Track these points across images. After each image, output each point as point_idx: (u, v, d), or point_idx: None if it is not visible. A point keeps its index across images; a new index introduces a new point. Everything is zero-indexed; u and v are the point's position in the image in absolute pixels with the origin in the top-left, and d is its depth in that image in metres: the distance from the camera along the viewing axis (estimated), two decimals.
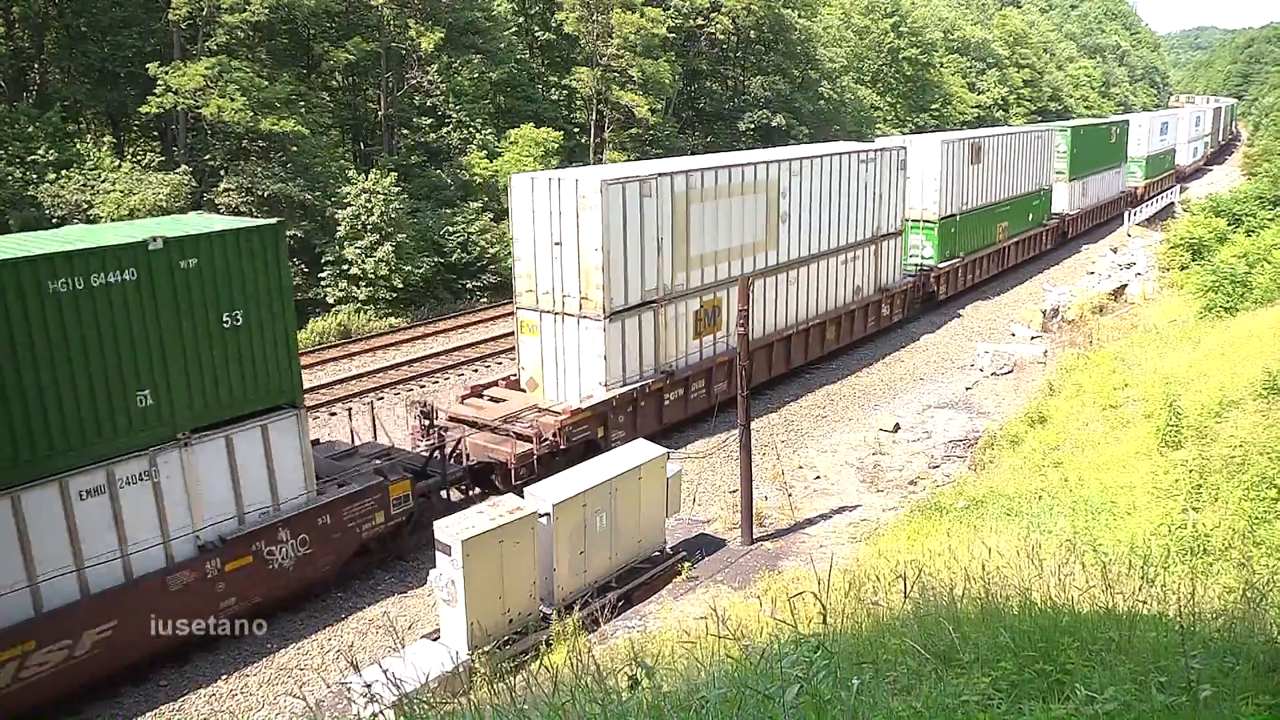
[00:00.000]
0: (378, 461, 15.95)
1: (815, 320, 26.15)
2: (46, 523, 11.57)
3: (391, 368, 26.48)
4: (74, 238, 12.82)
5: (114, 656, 12.28)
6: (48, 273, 11.26)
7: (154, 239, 12.24)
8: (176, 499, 12.79)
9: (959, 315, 34.56)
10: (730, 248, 22.43)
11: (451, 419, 18.68)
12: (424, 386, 25.23)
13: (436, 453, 16.73)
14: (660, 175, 20.21)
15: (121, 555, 12.28)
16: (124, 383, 12.13)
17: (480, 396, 19.91)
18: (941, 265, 33.83)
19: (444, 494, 16.97)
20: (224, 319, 13.07)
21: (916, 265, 33.32)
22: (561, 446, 18.08)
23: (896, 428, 23.00)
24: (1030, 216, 41.56)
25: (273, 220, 14.25)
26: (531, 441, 17.60)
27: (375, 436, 17.52)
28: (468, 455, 17.65)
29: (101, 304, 11.77)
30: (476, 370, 26.61)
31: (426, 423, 16.93)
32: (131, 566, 12.40)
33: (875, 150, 28.29)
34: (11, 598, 11.35)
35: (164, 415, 12.56)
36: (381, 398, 23.73)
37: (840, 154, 26.53)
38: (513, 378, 21.00)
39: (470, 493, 18.19)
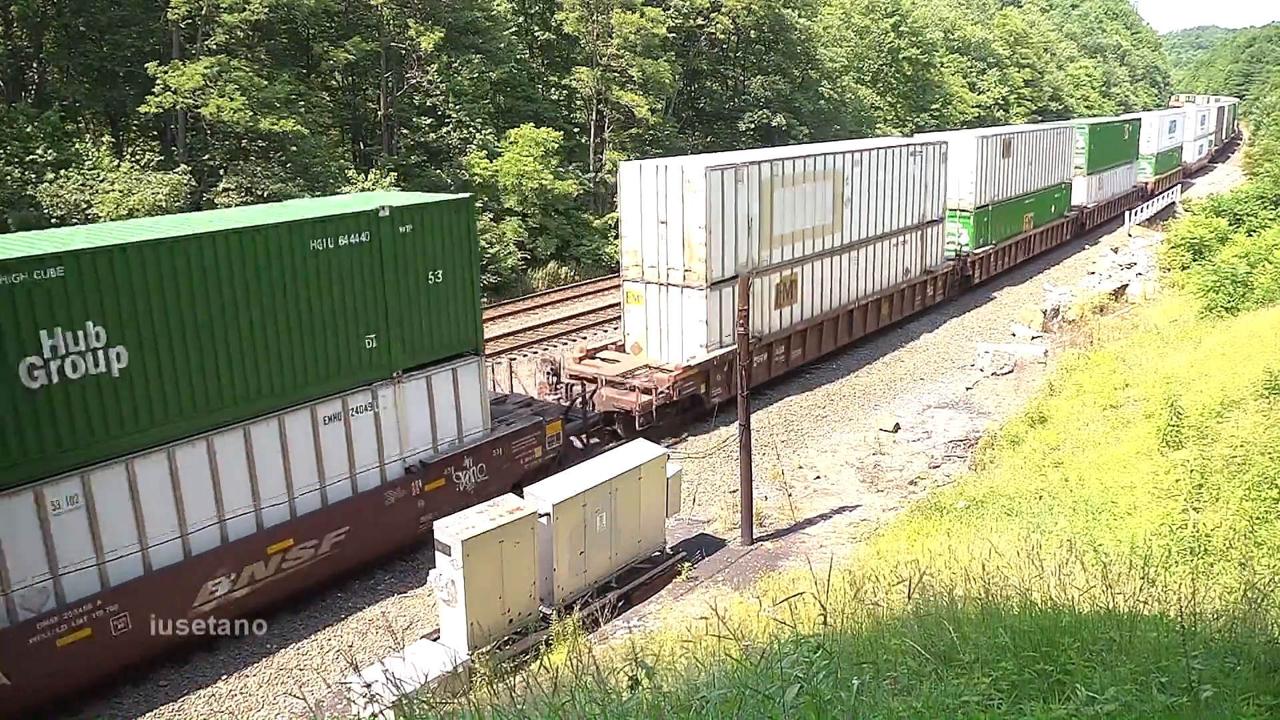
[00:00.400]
0: (532, 405, 18.85)
1: (873, 297, 29.06)
2: (300, 442, 14.00)
3: None
4: (309, 208, 15.45)
5: (345, 556, 14.66)
6: (312, 233, 13.70)
7: (383, 208, 14.55)
8: (390, 428, 15.20)
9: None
10: (804, 229, 25.14)
11: (572, 376, 21.66)
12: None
13: (577, 401, 20.21)
14: (750, 163, 23.00)
15: (350, 475, 14.73)
16: (358, 328, 14.54)
17: (593, 358, 22.96)
18: (977, 251, 36.64)
19: (578, 439, 20.46)
20: (429, 277, 15.39)
21: (955, 251, 35.74)
22: (674, 398, 21.32)
23: (896, 428, 22.99)
24: (1053, 208, 44.24)
25: (466, 194, 17.27)
26: (650, 394, 20.82)
27: (510, 390, 20.22)
28: (594, 405, 21.10)
29: (344, 261, 14.14)
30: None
31: (554, 379, 20.96)
32: (357, 483, 14.86)
33: (921, 144, 30.88)
34: (274, 507, 13.76)
35: (384, 358, 14.97)
36: None
37: (894, 147, 29.38)
38: (618, 343, 24.24)
39: (592, 440, 21.15)
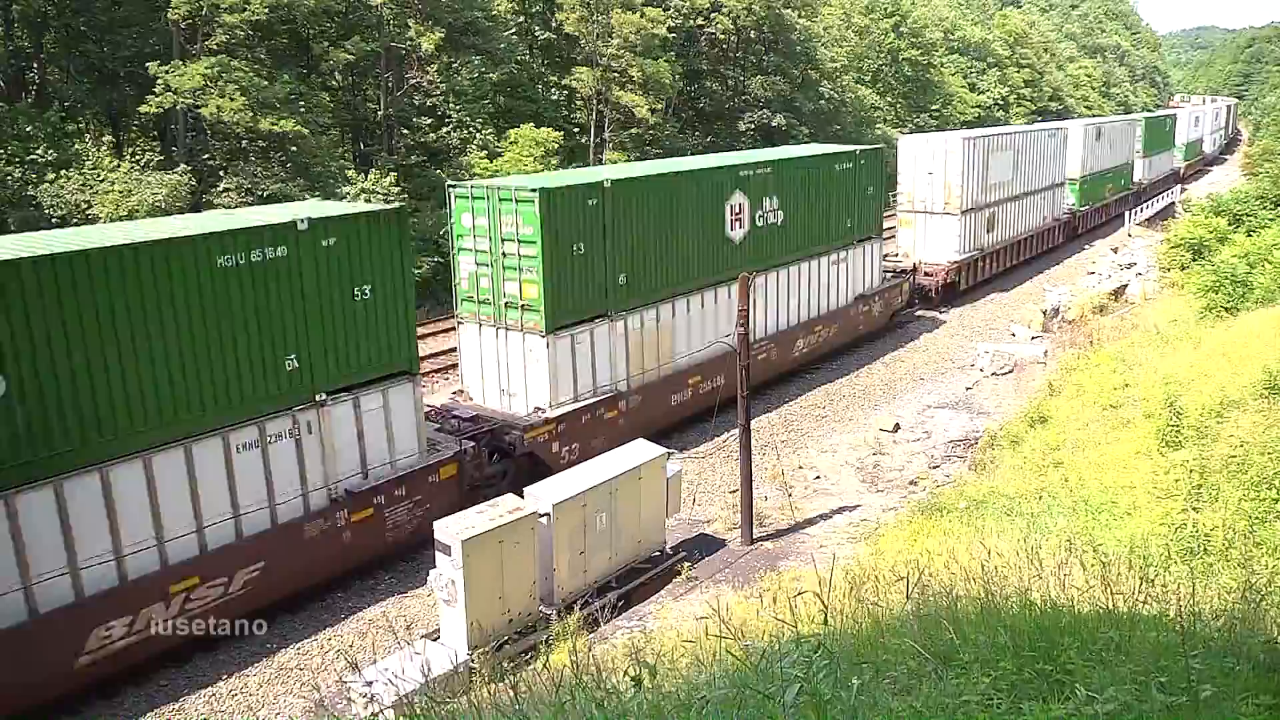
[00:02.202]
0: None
1: (1032, 231, 42.57)
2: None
3: None
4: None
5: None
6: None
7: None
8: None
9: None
10: (999, 182, 37.74)
11: (892, 271, 33.03)
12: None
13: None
14: (982, 137, 37.25)
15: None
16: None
17: (886, 259, 32.30)
18: (1081, 209, 49.24)
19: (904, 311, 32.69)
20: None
21: (1068, 208, 47.98)
22: (945, 281, 34.46)
23: (896, 428, 22.99)
24: (1122, 182, 57.06)
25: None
26: (933, 277, 34.20)
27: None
28: (916, 281, 33.74)
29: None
30: None
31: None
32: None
33: (1055, 129, 45.64)
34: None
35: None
36: None
37: (1040, 130, 44.90)
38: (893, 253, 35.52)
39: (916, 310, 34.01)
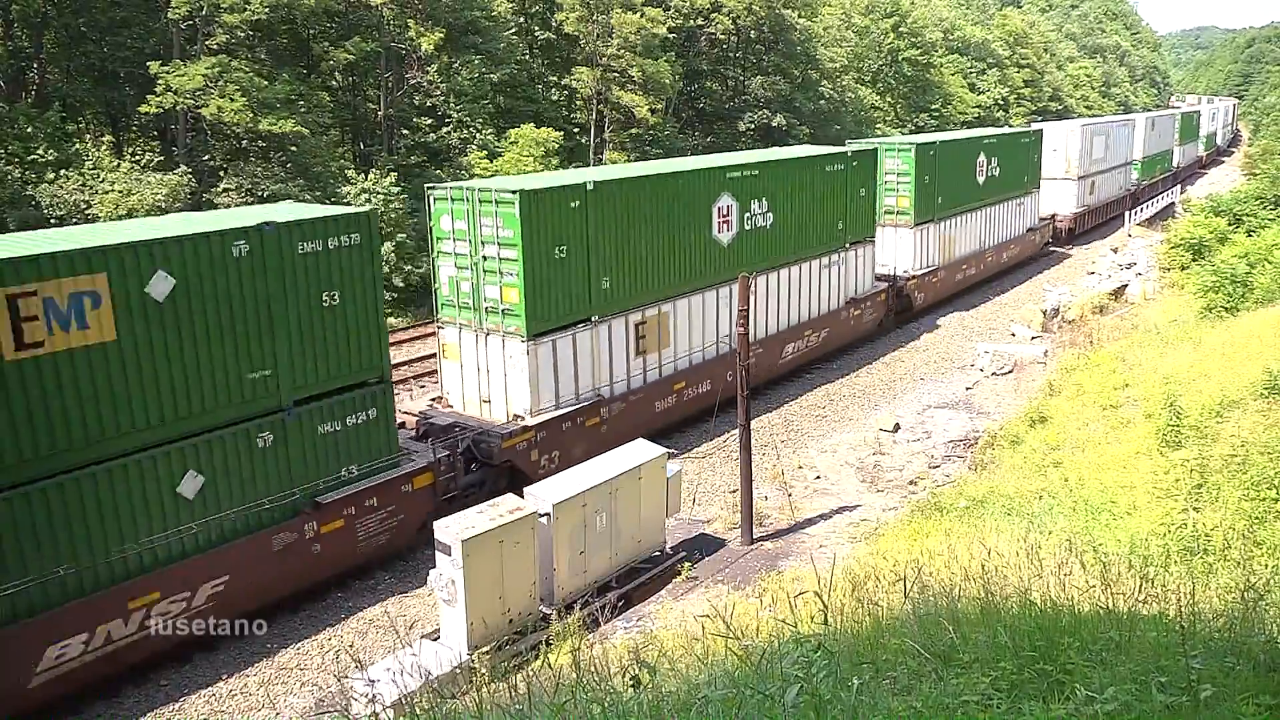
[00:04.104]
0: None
1: (1111, 199, 54.50)
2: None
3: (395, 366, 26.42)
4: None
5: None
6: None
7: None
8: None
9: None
10: (1097, 158, 50.69)
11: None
12: (423, 388, 25.22)
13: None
14: (1088, 124, 51.91)
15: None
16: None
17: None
18: (1142, 182, 60.91)
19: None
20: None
21: (1133, 183, 59.45)
22: (1070, 227, 48.03)
23: (896, 428, 23.00)
24: (1166, 165, 70.55)
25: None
26: (1064, 222, 47.51)
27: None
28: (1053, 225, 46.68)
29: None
30: None
31: None
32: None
33: (1126, 120, 60.60)
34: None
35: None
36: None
37: (1121, 121, 59.78)
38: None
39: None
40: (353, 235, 14.29)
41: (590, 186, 18.77)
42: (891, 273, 31.99)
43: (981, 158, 36.37)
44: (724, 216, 22.81)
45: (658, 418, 21.00)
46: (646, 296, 20.69)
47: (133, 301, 11.86)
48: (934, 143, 33.93)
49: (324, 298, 14.09)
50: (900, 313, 32.62)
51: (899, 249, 32.74)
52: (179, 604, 12.63)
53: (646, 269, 20.57)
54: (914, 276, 32.69)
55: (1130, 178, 59.07)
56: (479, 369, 18.80)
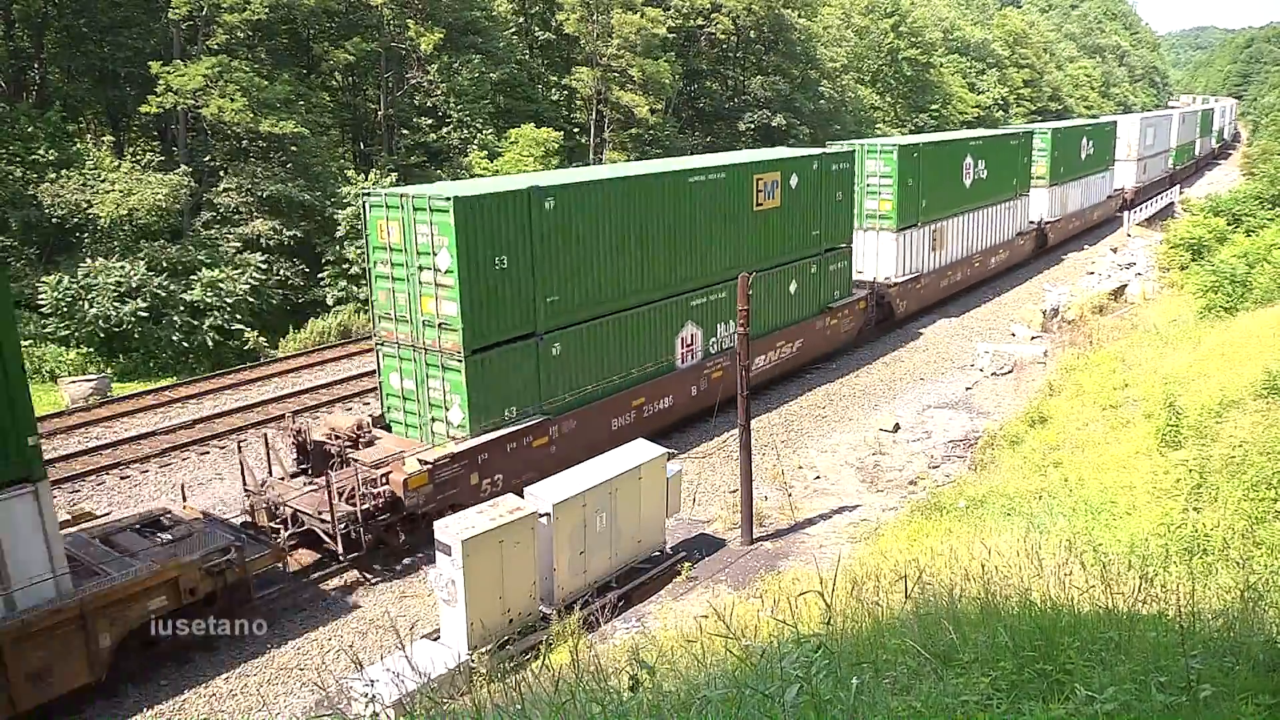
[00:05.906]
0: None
1: (1158, 179, 65.03)
2: None
3: None
4: None
5: None
6: None
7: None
8: None
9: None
10: (1149, 145, 61.06)
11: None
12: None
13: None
14: (1144, 116, 66.38)
15: None
16: None
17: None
18: (1176, 168, 71.57)
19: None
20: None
21: (1170, 167, 69.63)
22: (1132, 199, 57.48)
23: (896, 428, 23.00)
24: (1191, 154, 79.52)
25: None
26: (1130, 196, 58.62)
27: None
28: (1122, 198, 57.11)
29: None
30: None
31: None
32: None
33: (1166, 115, 71.04)
34: None
35: None
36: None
37: (1165, 115, 69.61)
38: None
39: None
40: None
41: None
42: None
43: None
44: None
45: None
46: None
47: (784, 189, 23.64)
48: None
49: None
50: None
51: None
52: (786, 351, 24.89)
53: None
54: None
55: (1168, 162, 70.07)
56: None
